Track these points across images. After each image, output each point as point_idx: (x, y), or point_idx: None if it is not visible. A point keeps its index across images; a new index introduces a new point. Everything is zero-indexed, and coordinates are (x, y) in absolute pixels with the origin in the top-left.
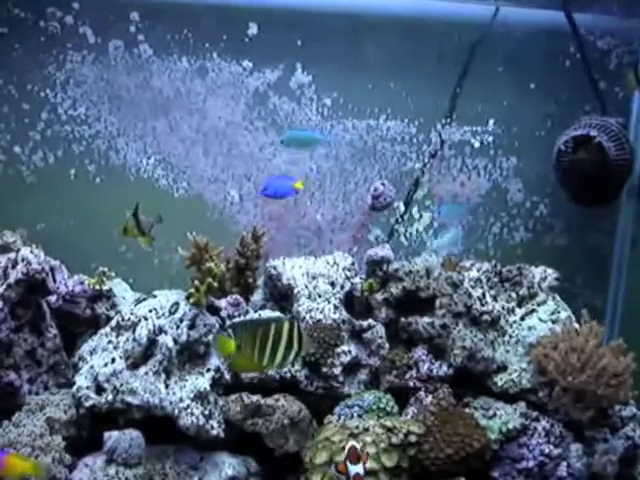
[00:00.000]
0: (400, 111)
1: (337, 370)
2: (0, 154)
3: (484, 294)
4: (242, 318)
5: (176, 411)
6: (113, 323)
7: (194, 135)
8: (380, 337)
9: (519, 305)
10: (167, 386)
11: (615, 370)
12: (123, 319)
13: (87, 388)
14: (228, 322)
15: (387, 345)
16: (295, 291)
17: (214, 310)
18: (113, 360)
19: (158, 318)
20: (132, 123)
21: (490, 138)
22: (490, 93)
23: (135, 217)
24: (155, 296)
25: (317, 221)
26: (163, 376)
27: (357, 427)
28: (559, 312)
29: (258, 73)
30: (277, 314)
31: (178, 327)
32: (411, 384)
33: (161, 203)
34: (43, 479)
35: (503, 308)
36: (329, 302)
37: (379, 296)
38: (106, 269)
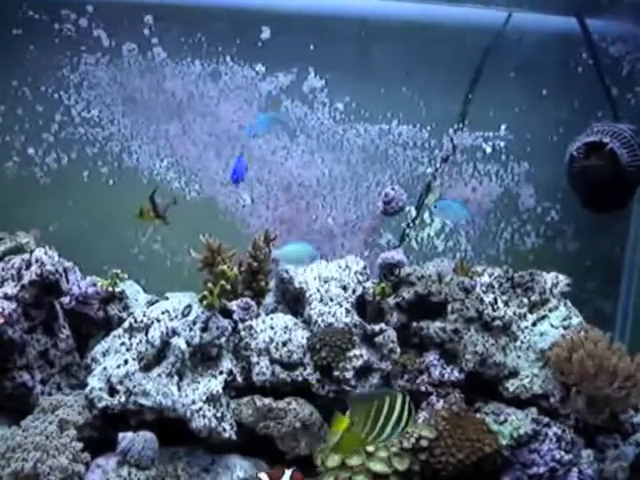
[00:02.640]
0: (412, 116)
1: (349, 374)
2: (14, 155)
3: (496, 299)
4: (357, 392)
5: (188, 413)
6: (126, 325)
7: (207, 138)
8: (392, 341)
9: (531, 311)
10: (180, 388)
11: (628, 372)
12: (136, 321)
13: (100, 389)
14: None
15: (399, 349)
16: (307, 295)
17: (227, 313)
18: (126, 362)
19: (171, 320)
20: (145, 126)
21: (502, 143)
22: (502, 99)
23: (152, 201)
24: (168, 298)
25: (328, 225)
26: (176, 378)
27: None
28: (571, 318)
29: (271, 77)
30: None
31: (191, 329)
32: (422, 389)
33: (174, 205)
34: None
35: (515, 314)
36: (341, 306)
37: (391, 300)
38: (119, 271)
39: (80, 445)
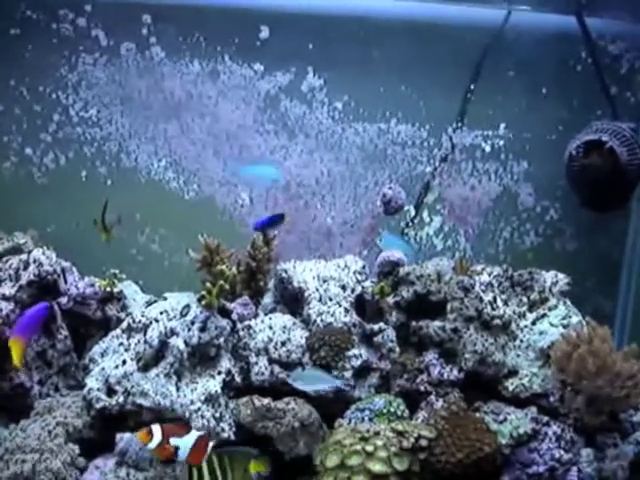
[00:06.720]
0: (411, 115)
1: (348, 373)
2: (12, 155)
3: (495, 298)
4: None
5: (187, 413)
6: (124, 325)
7: (205, 138)
8: (391, 341)
9: (530, 309)
10: (178, 388)
11: (630, 372)
12: (134, 321)
13: (98, 390)
14: None
15: (398, 349)
16: (306, 294)
17: (225, 313)
18: (124, 362)
19: (169, 320)
20: (143, 125)
21: (501, 142)
22: (501, 97)
23: (103, 213)
24: (166, 298)
25: (327, 224)
26: (174, 378)
27: (368, 431)
28: (570, 317)
29: (269, 76)
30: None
31: (189, 329)
32: (422, 388)
33: (172, 205)
34: None
35: (514, 312)
36: (340, 305)
37: (390, 300)
38: (117, 271)
39: (76, 447)
